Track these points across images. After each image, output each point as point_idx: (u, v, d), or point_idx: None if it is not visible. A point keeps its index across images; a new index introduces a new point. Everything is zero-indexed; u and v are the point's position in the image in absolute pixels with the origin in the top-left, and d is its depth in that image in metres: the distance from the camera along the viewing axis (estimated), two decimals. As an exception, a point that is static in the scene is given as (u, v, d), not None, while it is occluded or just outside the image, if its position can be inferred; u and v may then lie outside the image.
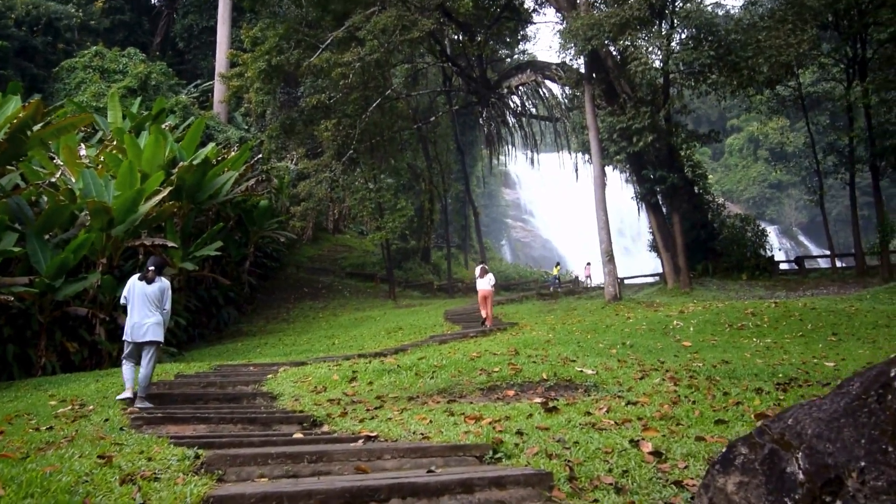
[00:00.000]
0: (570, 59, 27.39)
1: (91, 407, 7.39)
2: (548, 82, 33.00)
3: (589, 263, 37.55)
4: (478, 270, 19.27)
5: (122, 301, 7.86)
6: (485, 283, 18.87)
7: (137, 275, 7.92)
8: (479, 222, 40.17)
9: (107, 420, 6.22)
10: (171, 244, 20.72)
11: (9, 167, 19.20)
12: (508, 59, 39.45)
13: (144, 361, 7.59)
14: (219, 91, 36.76)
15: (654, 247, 29.19)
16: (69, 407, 7.62)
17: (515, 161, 41.31)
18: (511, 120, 37.26)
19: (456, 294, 34.17)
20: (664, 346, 12.25)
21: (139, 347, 7.66)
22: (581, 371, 7.89)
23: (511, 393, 7.10)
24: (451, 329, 19.28)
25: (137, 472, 3.71)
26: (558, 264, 40.06)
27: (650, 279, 35.42)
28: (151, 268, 7.86)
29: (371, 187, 30.16)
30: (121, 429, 5.64)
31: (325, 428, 6.03)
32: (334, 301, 31.35)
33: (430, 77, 38.66)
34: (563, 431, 4.77)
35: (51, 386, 12.02)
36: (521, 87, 34.46)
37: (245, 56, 29.64)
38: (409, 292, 35.34)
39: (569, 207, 65.18)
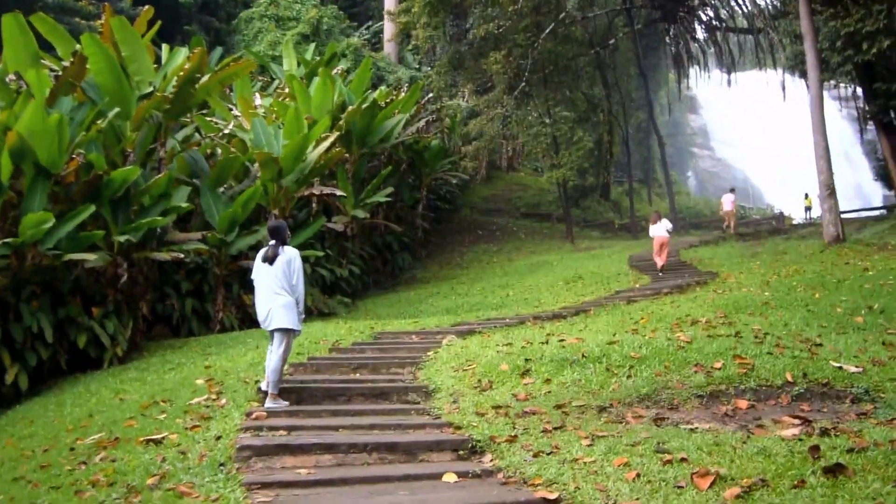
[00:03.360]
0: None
1: (223, 401, 6.42)
2: (748, -13, 28.53)
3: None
4: (652, 216, 18.62)
5: (254, 283, 6.68)
6: (660, 230, 17.86)
7: (263, 250, 6.68)
8: (665, 153, 36.50)
9: (219, 438, 5.11)
10: (339, 193, 20.12)
11: (184, 120, 19.30)
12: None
13: (274, 352, 6.40)
14: (388, 30, 35.88)
15: (882, 175, 24.63)
16: (204, 396, 6.74)
17: (709, 81, 36.87)
18: (702, 35, 32.91)
19: (640, 234, 31.36)
20: (929, 311, 9.44)
21: (272, 334, 6.49)
22: (840, 367, 5.70)
23: (743, 405, 5.13)
24: (638, 280, 17.09)
25: None
26: (807, 195, 34.33)
27: (872, 213, 30.36)
28: (272, 241, 6.57)
29: (546, 122, 27.98)
30: (220, 465, 4.46)
31: (487, 461, 4.49)
32: (509, 244, 29.90)
33: (608, -5, 35.14)
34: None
35: (216, 349, 11.65)
36: (714, -3, 30.15)
37: (411, -10, 28.24)
38: (587, 232, 33.07)
39: (767, 133, 58.47)
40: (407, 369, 7.52)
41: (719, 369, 5.82)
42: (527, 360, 6.72)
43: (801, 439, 4.06)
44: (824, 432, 4.17)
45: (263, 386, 6.45)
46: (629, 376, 5.93)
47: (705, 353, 6.33)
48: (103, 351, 12.47)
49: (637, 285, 16.11)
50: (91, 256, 12.39)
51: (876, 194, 47.63)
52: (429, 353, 8.12)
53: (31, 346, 11.80)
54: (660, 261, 17.94)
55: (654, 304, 11.65)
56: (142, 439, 5.32)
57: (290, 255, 6.52)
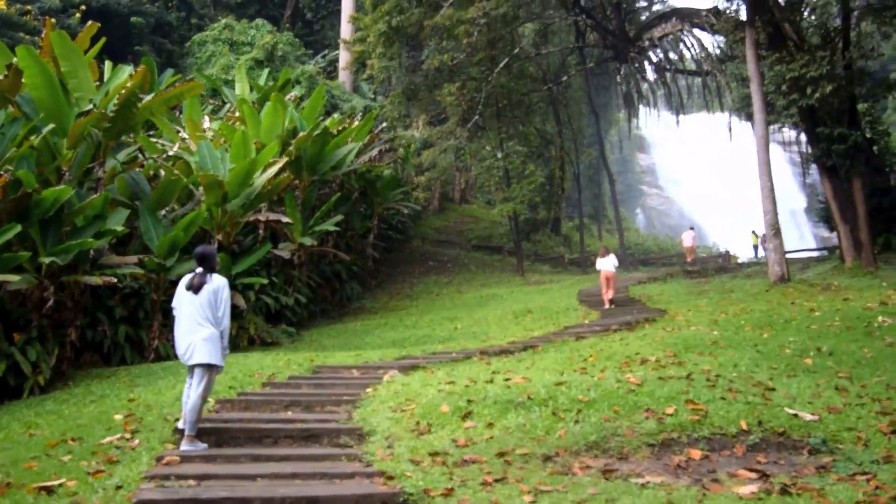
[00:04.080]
0: (725, 2, 23.89)
1: (136, 442, 5.87)
2: (696, 31, 29.20)
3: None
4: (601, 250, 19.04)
5: (174, 312, 6.17)
6: (606, 264, 18.21)
7: (187, 277, 6.18)
8: (615, 190, 36.98)
9: (119, 487, 4.59)
10: (286, 219, 19.59)
11: (127, 139, 18.60)
12: (647, 13, 35.67)
13: (193, 389, 5.88)
14: (343, 59, 35.74)
15: (825, 217, 25.21)
16: (118, 435, 6.17)
17: (659, 122, 37.63)
18: (652, 76, 33.60)
19: (589, 269, 31.45)
20: (875, 353, 9.42)
21: (192, 370, 5.96)
22: (795, 415, 5.48)
23: (697, 456, 4.86)
24: (588, 316, 16.94)
25: None
26: (755, 232, 34.59)
27: (814, 254, 31.11)
28: (199, 269, 6.08)
29: (498, 155, 28.02)
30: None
31: (421, 517, 4.08)
32: (459, 276, 29.63)
33: (562, 34, 35.68)
34: None
35: (145, 379, 11.01)
36: (664, 39, 30.79)
37: (366, 19, 28.14)
38: (538, 266, 33.07)
39: (714, 173, 60.02)
40: (343, 408, 7.05)
41: (671, 415, 5.55)
42: (469, 400, 6.34)
43: (760, 498, 3.79)
44: (784, 490, 3.91)
45: (180, 425, 5.91)
46: (577, 421, 5.60)
47: (656, 396, 6.06)
48: (24, 379, 11.67)
49: (586, 321, 15.96)
50: (14, 278, 11.63)
51: (808, 235, 49.15)
52: (368, 391, 7.67)
53: (-58, 373, 10.98)
54: (607, 296, 18.09)
55: (603, 341, 11.44)
56: (35, 486, 4.76)
57: (217, 284, 6.03)
